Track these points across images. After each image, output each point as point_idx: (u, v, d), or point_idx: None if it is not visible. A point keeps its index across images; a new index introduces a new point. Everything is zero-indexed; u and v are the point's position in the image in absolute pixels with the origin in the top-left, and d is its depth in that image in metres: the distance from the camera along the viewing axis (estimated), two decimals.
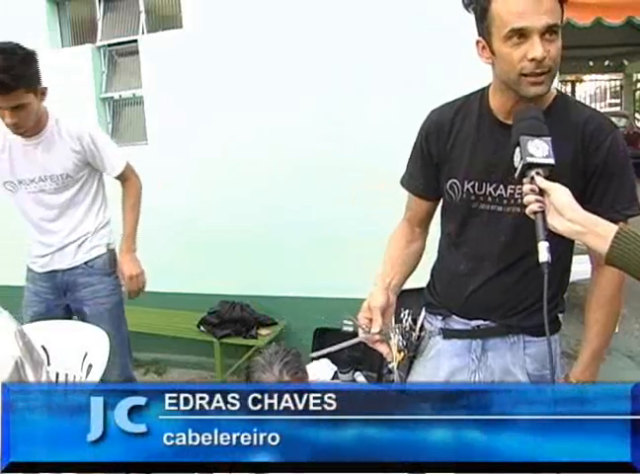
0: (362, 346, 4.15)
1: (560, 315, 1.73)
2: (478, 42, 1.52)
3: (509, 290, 1.64)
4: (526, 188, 1.35)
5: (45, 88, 2.46)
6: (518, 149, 1.37)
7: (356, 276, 4.03)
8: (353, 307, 4.40)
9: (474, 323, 1.70)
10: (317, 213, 4.15)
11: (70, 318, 2.73)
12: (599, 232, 1.28)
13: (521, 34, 1.40)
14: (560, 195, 1.31)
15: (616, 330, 4.59)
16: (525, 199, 1.35)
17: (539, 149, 1.34)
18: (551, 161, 1.34)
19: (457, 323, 1.72)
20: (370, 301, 1.63)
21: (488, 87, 1.62)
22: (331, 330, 4.14)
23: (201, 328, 4.18)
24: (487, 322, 1.68)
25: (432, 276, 1.82)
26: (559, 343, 1.72)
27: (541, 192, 1.33)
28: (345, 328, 4.09)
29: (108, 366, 2.64)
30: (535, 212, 1.33)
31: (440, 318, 1.76)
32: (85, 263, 2.72)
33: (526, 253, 1.59)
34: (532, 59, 1.40)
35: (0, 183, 2.65)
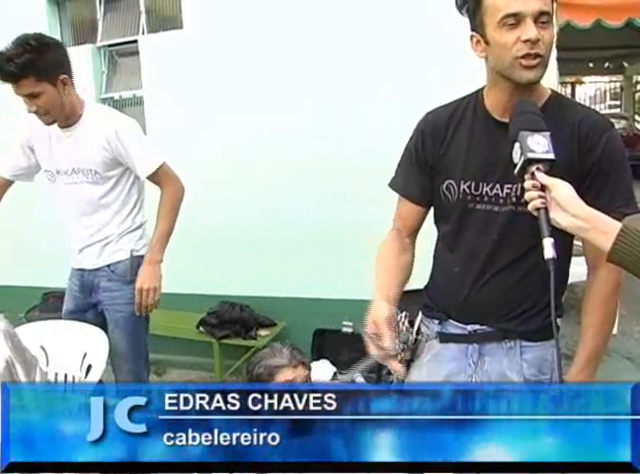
0: (362, 347, 4.14)
1: (558, 319, 1.72)
2: (472, 37, 1.54)
3: (504, 294, 1.63)
4: (528, 184, 1.34)
5: (66, 77, 2.42)
6: (517, 145, 1.37)
7: (354, 277, 4.03)
8: (352, 308, 4.41)
9: (470, 327, 1.69)
10: (316, 215, 4.15)
11: (103, 318, 2.68)
12: (602, 228, 1.27)
13: (515, 18, 1.42)
14: (563, 190, 1.30)
15: (615, 332, 4.62)
16: (528, 196, 1.34)
17: (539, 144, 1.34)
18: (551, 156, 1.34)
19: (454, 327, 1.71)
20: (375, 316, 1.58)
21: (482, 88, 1.63)
22: (330, 331, 4.14)
23: (201, 328, 4.18)
24: (483, 326, 1.67)
25: (429, 279, 1.81)
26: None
27: (542, 187, 1.32)
28: (344, 329, 4.09)
29: (121, 375, 2.59)
30: (538, 209, 1.32)
31: (436, 322, 1.74)
32: (108, 266, 2.64)
33: (522, 255, 1.59)
34: (527, 41, 1.42)
35: (42, 170, 2.66)
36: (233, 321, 4.13)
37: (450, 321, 1.72)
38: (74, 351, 2.56)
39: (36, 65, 2.31)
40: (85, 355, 2.52)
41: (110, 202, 2.60)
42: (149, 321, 2.76)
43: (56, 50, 2.40)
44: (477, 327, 1.68)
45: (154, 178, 2.59)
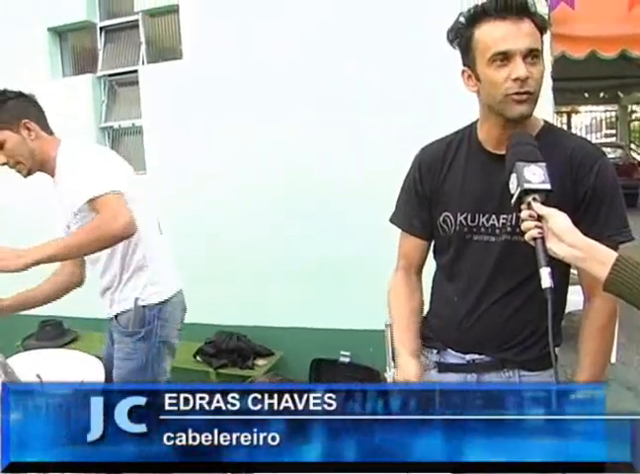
0: (359, 377, 4.11)
1: (556, 348, 1.72)
2: (463, 72, 1.57)
3: (502, 323, 1.64)
4: (525, 214, 1.35)
5: (28, 121, 2.33)
6: (514, 175, 1.39)
7: (352, 307, 4.03)
8: (349, 338, 4.40)
9: (469, 357, 1.69)
10: (315, 246, 4.15)
11: None
12: (599, 258, 1.28)
13: (505, 56, 1.46)
14: (559, 220, 1.32)
15: (614, 361, 4.58)
16: (524, 226, 1.35)
17: (535, 175, 1.36)
18: (548, 186, 1.35)
19: (452, 357, 1.71)
20: (407, 374, 1.58)
21: (477, 121, 1.65)
22: (327, 361, 4.12)
23: (198, 358, 4.16)
24: (482, 356, 1.67)
25: (429, 309, 1.81)
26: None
27: (539, 217, 1.33)
28: (341, 359, 4.07)
29: None
30: (535, 238, 1.33)
31: (435, 351, 1.75)
32: (116, 316, 2.45)
33: (518, 284, 1.60)
34: (516, 79, 1.45)
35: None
36: (230, 350, 4.11)
37: (449, 351, 1.72)
38: (70, 379, 2.53)
39: None
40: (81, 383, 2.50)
41: None
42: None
43: (17, 99, 2.36)
44: (476, 356, 1.68)
45: (94, 208, 2.21)
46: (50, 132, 2.43)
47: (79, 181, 2.24)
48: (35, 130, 2.36)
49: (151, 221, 2.49)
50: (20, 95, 2.39)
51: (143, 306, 2.41)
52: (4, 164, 2.36)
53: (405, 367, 1.60)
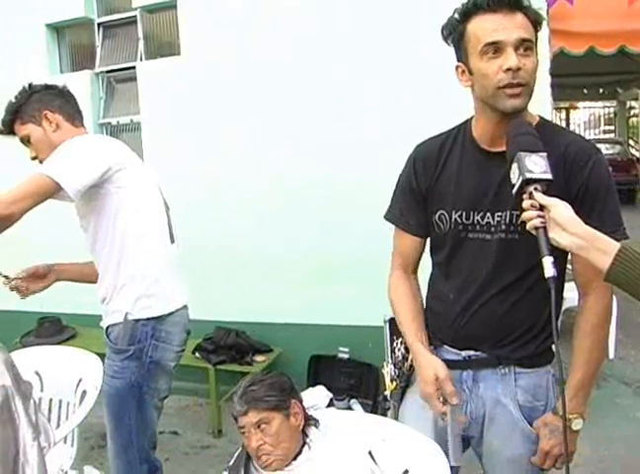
0: (358, 373, 4.10)
1: (553, 346, 1.71)
2: (457, 67, 1.57)
3: (498, 320, 1.63)
4: (526, 204, 1.34)
5: (47, 112, 2.29)
6: (515, 165, 1.38)
7: (352, 303, 4.03)
8: (348, 334, 4.39)
9: (465, 353, 1.69)
10: (313, 242, 4.16)
11: None
12: (602, 248, 1.27)
13: (496, 48, 1.45)
14: (562, 209, 1.31)
15: (612, 357, 4.58)
16: (526, 216, 1.35)
17: (537, 165, 1.35)
18: (549, 176, 1.35)
19: (449, 353, 1.71)
20: (437, 372, 1.60)
21: (471, 118, 1.65)
22: (326, 357, 4.13)
23: (197, 354, 4.15)
24: (478, 353, 1.67)
25: (425, 306, 1.81)
26: (552, 373, 1.70)
27: (540, 207, 1.33)
28: (340, 355, 4.07)
29: (110, 454, 2.31)
30: (537, 228, 1.32)
31: (432, 348, 1.74)
32: (107, 328, 2.29)
33: (514, 281, 1.60)
34: (508, 69, 1.44)
35: None
36: (229, 347, 4.10)
37: (445, 347, 1.72)
38: (69, 376, 2.54)
39: (19, 110, 2.30)
40: (80, 380, 2.51)
41: (100, 247, 2.27)
42: (145, 400, 2.28)
43: (42, 92, 2.34)
44: (472, 353, 1.68)
45: None
46: (77, 124, 2.38)
47: (51, 159, 2.12)
48: (55, 120, 2.31)
49: (155, 230, 2.34)
50: (46, 87, 2.38)
51: (135, 321, 2.23)
52: (34, 158, 2.33)
53: (432, 365, 1.62)
